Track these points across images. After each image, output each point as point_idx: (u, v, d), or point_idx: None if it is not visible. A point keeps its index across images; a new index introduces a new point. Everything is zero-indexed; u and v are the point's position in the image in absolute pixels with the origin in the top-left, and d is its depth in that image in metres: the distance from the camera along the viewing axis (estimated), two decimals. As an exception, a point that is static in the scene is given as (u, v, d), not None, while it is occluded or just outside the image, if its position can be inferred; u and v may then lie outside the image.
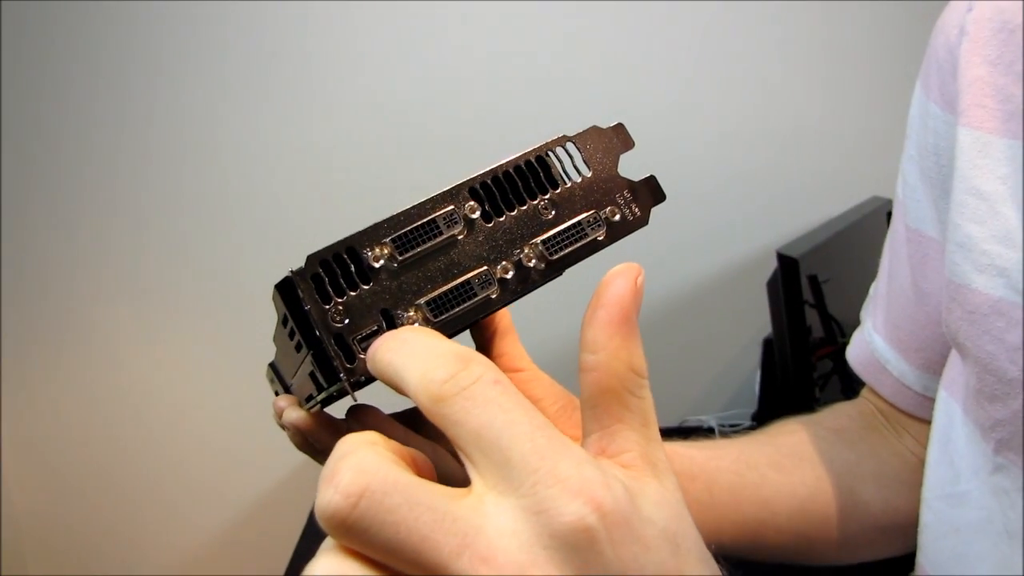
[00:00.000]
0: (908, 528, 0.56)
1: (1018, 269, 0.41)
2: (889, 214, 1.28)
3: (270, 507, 1.45)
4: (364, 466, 0.21)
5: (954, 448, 0.48)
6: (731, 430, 1.32)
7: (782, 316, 1.03)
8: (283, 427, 0.38)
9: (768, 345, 1.23)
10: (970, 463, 0.47)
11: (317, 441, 0.36)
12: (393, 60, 1.28)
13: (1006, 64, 0.43)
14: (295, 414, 0.36)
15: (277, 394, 0.42)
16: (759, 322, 1.26)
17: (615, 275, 0.26)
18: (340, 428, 0.36)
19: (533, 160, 0.31)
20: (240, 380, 1.38)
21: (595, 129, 0.32)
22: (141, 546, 1.45)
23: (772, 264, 1.04)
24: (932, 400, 0.54)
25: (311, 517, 1.19)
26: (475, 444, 0.22)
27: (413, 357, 0.24)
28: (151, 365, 1.38)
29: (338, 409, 0.37)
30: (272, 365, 0.42)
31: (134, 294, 1.35)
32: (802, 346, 1.03)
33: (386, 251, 0.28)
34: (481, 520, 0.21)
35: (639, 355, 0.25)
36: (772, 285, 1.05)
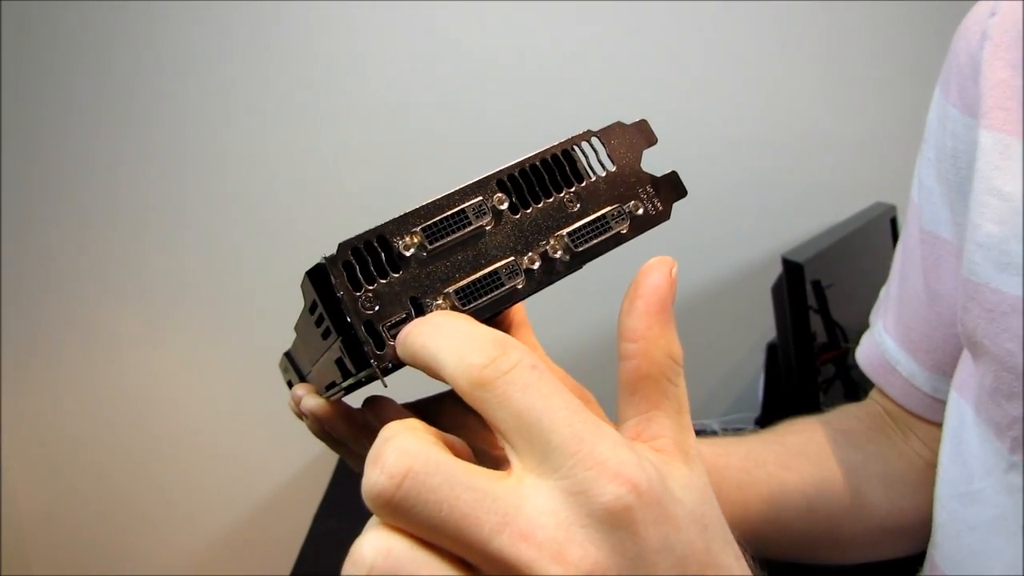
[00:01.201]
0: (914, 530, 0.56)
1: None
2: (893, 220, 1.29)
3: (274, 509, 1.45)
4: (408, 448, 0.22)
5: (967, 448, 0.49)
6: (734, 434, 1.32)
7: (787, 321, 1.03)
8: (299, 416, 0.38)
9: (772, 349, 1.23)
10: (983, 463, 0.47)
11: (333, 430, 0.37)
12: (400, 60, 1.29)
13: None
14: (313, 401, 0.36)
15: (290, 383, 0.43)
16: (763, 326, 1.27)
17: (651, 267, 0.27)
18: (356, 418, 0.37)
19: (559, 154, 0.32)
20: (244, 381, 1.38)
21: (619, 125, 0.33)
22: (144, 548, 1.46)
23: (776, 269, 1.04)
24: (940, 402, 0.55)
25: (315, 520, 1.20)
26: (515, 428, 0.23)
27: (449, 341, 0.24)
28: (154, 366, 1.39)
29: (354, 400, 0.38)
30: (288, 355, 0.42)
31: (137, 295, 1.36)
32: (806, 351, 1.03)
33: (416, 240, 0.29)
34: (521, 500, 0.22)
35: (676, 343, 0.26)
36: (777, 290, 1.05)
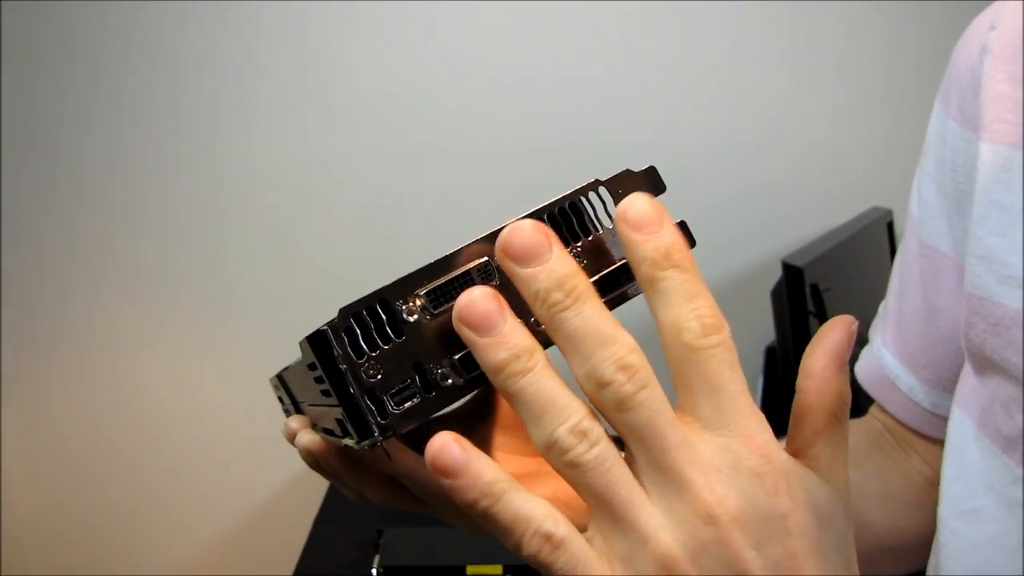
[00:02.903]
0: (913, 548, 0.56)
1: None
2: (890, 224, 1.30)
3: (274, 512, 1.45)
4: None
5: (968, 464, 0.48)
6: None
7: (786, 324, 1.04)
8: (292, 443, 0.38)
9: (771, 353, 1.23)
10: (985, 478, 0.47)
11: (328, 465, 0.37)
12: (404, 66, 1.29)
13: None
14: (307, 438, 0.36)
15: (282, 400, 0.42)
16: (762, 330, 1.27)
17: (834, 323, 0.31)
18: (351, 452, 0.36)
19: (566, 207, 0.31)
20: (243, 384, 1.38)
21: (627, 173, 0.32)
22: (143, 551, 1.45)
23: (775, 273, 1.04)
24: (940, 417, 0.55)
25: (315, 524, 1.20)
26: (705, 390, 0.28)
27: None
28: (153, 368, 1.39)
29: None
30: (280, 378, 0.41)
31: (136, 297, 1.35)
32: (805, 354, 1.03)
33: (419, 303, 0.28)
34: (696, 436, 0.28)
35: (847, 388, 0.30)
36: (776, 294, 1.06)
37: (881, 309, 0.61)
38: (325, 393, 0.29)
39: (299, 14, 1.26)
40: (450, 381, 0.28)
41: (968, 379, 0.49)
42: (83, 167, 1.31)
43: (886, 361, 0.58)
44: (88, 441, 1.40)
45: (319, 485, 1.31)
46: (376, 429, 0.27)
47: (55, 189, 1.31)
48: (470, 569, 1.00)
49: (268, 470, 1.43)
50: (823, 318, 1.07)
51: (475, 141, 1.31)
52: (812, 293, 1.04)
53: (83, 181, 1.31)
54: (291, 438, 0.37)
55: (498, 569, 1.00)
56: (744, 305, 1.34)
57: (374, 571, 1.00)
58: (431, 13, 1.27)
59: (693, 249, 0.32)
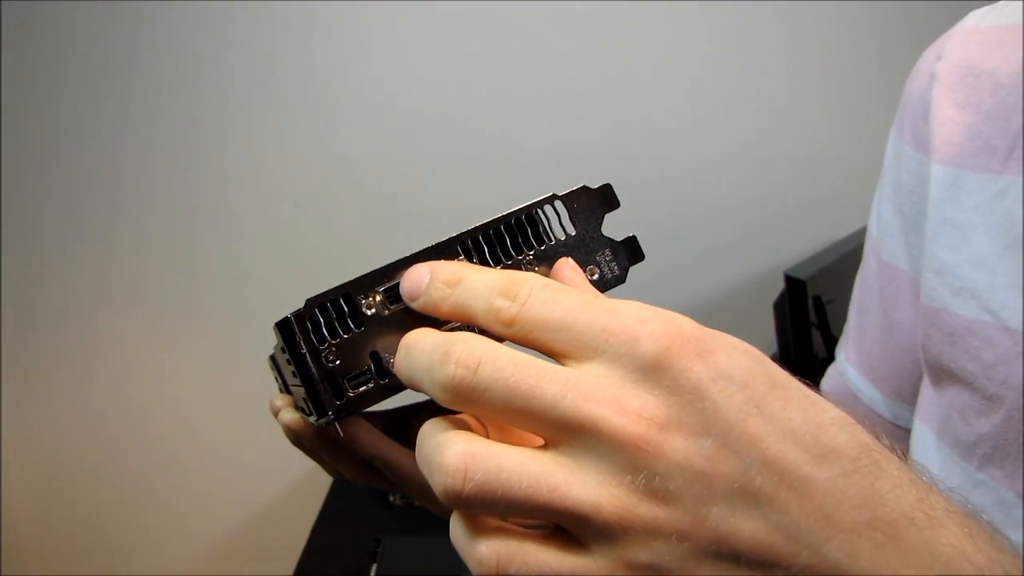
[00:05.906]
0: None
1: (988, 290, 0.45)
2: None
3: (273, 518, 1.45)
4: (474, 343, 0.26)
5: None
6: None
7: (788, 337, 1.03)
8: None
9: (772, 365, 1.22)
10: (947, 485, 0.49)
11: (307, 442, 0.39)
12: (402, 69, 1.29)
13: (973, 105, 0.48)
14: (289, 416, 0.38)
15: (277, 381, 0.45)
16: (763, 342, 1.26)
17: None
18: (328, 432, 0.38)
19: (522, 217, 0.33)
20: (244, 389, 1.38)
21: (584, 189, 0.34)
22: (142, 554, 1.45)
23: (777, 285, 1.04)
24: (902, 429, 0.57)
25: (314, 531, 1.20)
26: (550, 340, 0.26)
27: (473, 296, 0.28)
28: (154, 371, 1.39)
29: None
30: (273, 359, 0.44)
31: (139, 300, 1.36)
32: (807, 367, 1.03)
33: (378, 299, 0.31)
34: (577, 373, 0.25)
35: None
36: (779, 306, 1.05)
37: (845, 328, 0.64)
38: (293, 374, 0.32)
39: (300, 16, 1.27)
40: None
41: (927, 392, 0.52)
42: (88, 170, 1.31)
43: (849, 375, 0.61)
44: (88, 443, 1.40)
45: (317, 493, 1.30)
46: (331, 409, 0.30)
47: (59, 192, 1.31)
48: (468, 579, 0.99)
49: (266, 478, 1.42)
50: (826, 330, 1.06)
51: (480, 148, 1.31)
52: (815, 305, 1.04)
53: (88, 184, 1.31)
54: (276, 414, 0.40)
55: (496, 580, 0.99)
56: (746, 317, 1.34)
57: (371, 580, 1.00)
58: (432, 14, 1.27)
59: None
